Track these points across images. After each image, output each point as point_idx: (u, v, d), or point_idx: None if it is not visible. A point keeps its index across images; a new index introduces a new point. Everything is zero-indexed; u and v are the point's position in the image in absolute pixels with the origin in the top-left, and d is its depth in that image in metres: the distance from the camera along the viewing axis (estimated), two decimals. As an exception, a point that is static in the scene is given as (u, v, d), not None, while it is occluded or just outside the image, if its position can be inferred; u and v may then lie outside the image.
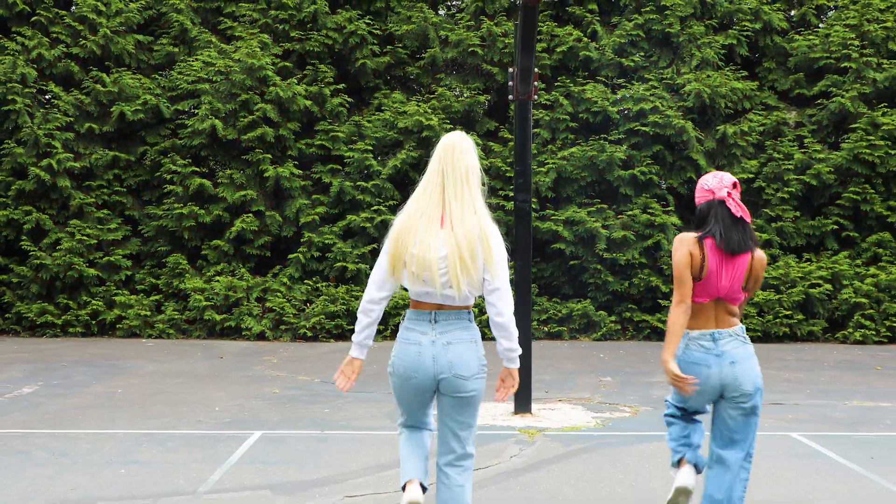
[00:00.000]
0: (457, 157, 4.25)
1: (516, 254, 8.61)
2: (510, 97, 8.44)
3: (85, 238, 14.60)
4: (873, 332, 14.22)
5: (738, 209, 4.60)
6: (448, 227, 4.16)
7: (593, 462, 6.84)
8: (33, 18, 15.21)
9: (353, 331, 14.15)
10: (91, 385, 10.02)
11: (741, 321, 4.75)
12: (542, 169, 14.73)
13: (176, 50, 15.53)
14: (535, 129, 14.96)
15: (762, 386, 4.62)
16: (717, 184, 4.66)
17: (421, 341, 4.21)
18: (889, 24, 15.31)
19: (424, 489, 4.31)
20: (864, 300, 14.28)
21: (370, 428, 7.95)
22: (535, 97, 8.48)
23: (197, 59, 15.15)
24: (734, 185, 4.67)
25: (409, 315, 4.29)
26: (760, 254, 4.64)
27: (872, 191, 14.92)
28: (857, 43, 15.23)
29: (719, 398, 4.63)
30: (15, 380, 10.35)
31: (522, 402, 8.50)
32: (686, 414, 4.85)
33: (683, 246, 4.59)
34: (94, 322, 14.55)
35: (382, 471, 6.53)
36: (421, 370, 4.20)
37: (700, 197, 4.71)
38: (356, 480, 6.27)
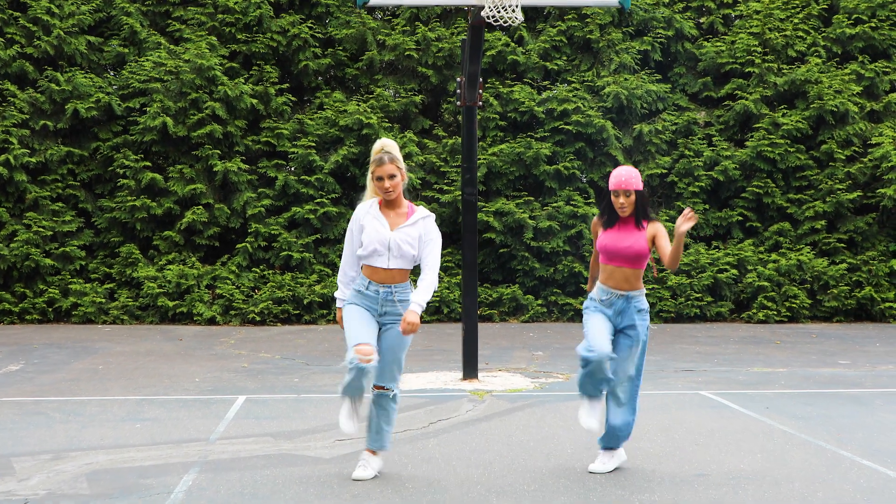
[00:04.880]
0: None
1: (464, 240, 9.77)
2: (458, 103, 9.57)
3: (41, 230, 15.34)
4: (775, 313, 15.72)
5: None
6: None
7: (536, 414, 8.05)
8: (-12, 20, 15.90)
9: (298, 315, 15.22)
10: (71, 363, 10.91)
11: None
12: (475, 164, 15.87)
13: (126, 51, 16.30)
14: (468, 128, 16.12)
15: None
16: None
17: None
18: (788, 33, 16.79)
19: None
20: (766, 284, 15.75)
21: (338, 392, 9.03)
22: (481, 103, 9.63)
23: (148, 60, 15.96)
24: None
25: None
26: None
27: (773, 185, 16.41)
28: (759, 49, 16.69)
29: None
30: (-4, 360, 11.21)
31: (469, 369, 9.67)
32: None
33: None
34: (50, 309, 15.31)
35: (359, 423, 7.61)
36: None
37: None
38: (339, 430, 7.36)
